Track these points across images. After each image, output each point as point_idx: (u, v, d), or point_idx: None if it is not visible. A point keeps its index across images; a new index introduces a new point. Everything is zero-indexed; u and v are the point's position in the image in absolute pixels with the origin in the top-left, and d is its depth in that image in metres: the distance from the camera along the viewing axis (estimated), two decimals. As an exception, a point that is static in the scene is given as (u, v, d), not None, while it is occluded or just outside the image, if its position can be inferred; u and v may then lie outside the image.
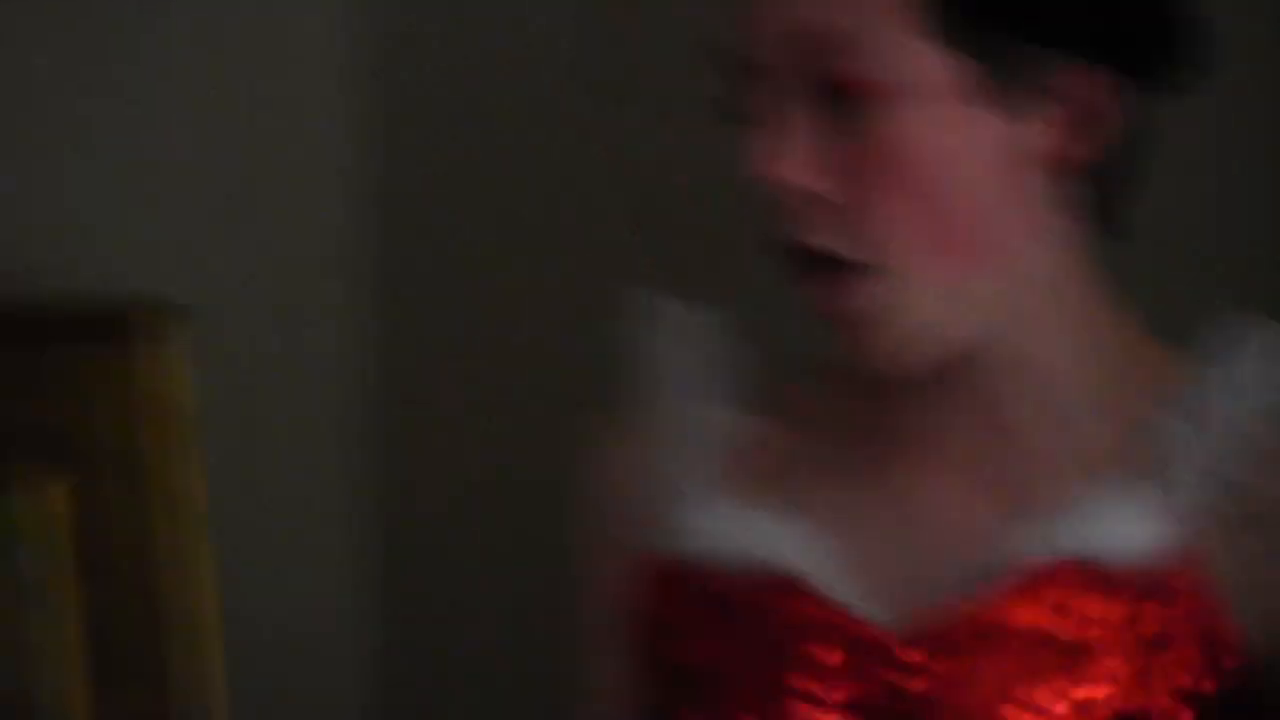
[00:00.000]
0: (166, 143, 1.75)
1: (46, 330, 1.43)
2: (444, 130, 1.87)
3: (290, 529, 1.73)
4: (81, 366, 1.41)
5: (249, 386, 1.69)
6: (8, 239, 1.63)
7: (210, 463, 1.43)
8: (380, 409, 1.78)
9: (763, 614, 1.09)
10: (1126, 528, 1.07)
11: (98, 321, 1.42)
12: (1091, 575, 1.06)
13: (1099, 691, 1.06)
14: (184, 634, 1.42)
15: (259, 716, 1.55)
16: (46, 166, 1.66)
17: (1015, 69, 1.06)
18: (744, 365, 1.18)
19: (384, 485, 1.78)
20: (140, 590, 1.41)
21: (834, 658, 1.08)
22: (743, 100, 1.08)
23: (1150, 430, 1.10)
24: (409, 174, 1.87)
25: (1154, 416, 1.09)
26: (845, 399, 1.15)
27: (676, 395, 1.16)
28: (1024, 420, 1.10)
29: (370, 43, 1.84)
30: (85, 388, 1.39)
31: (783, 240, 1.07)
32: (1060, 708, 1.05)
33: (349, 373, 1.79)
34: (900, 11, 1.04)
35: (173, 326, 1.42)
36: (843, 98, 1.04)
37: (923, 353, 1.07)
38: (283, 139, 1.83)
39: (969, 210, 1.07)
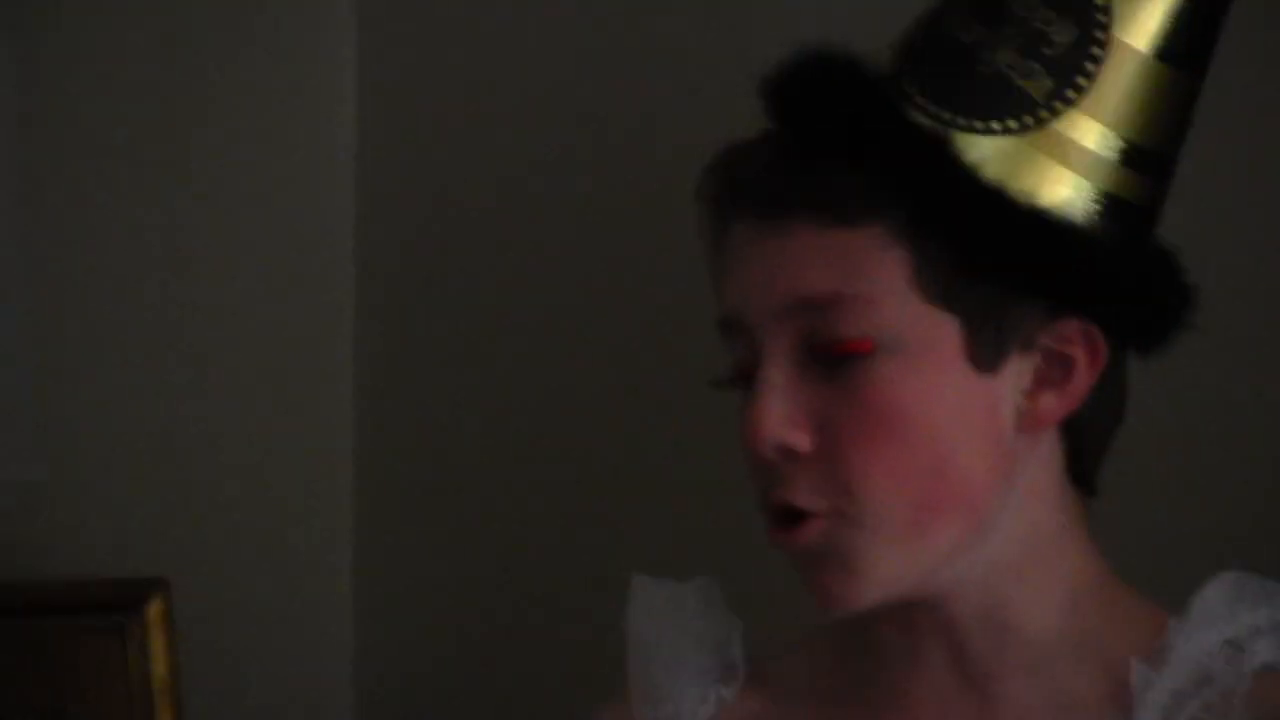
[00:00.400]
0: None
1: (34, 608, 1.49)
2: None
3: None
4: (67, 643, 1.48)
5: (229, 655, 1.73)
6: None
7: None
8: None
9: None
10: None
11: (83, 599, 1.49)
12: None
13: None
14: None
15: None
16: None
17: (1002, 324, 1.03)
18: (729, 637, 1.16)
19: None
20: None
21: None
22: (738, 371, 1.06)
23: (1120, 675, 1.06)
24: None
25: (1124, 663, 1.06)
26: (825, 664, 1.13)
27: (663, 677, 1.15)
28: (999, 675, 1.07)
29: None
30: (71, 663, 1.46)
31: (761, 496, 1.05)
32: None
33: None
34: (893, 272, 1.01)
35: (153, 601, 1.49)
36: (830, 356, 1.02)
37: (887, 596, 1.04)
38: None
39: (949, 464, 1.03)
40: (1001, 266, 1.01)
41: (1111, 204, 1.01)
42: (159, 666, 1.47)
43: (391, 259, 1.84)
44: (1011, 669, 1.05)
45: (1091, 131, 1.01)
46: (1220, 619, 1.03)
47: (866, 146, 1.00)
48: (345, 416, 1.84)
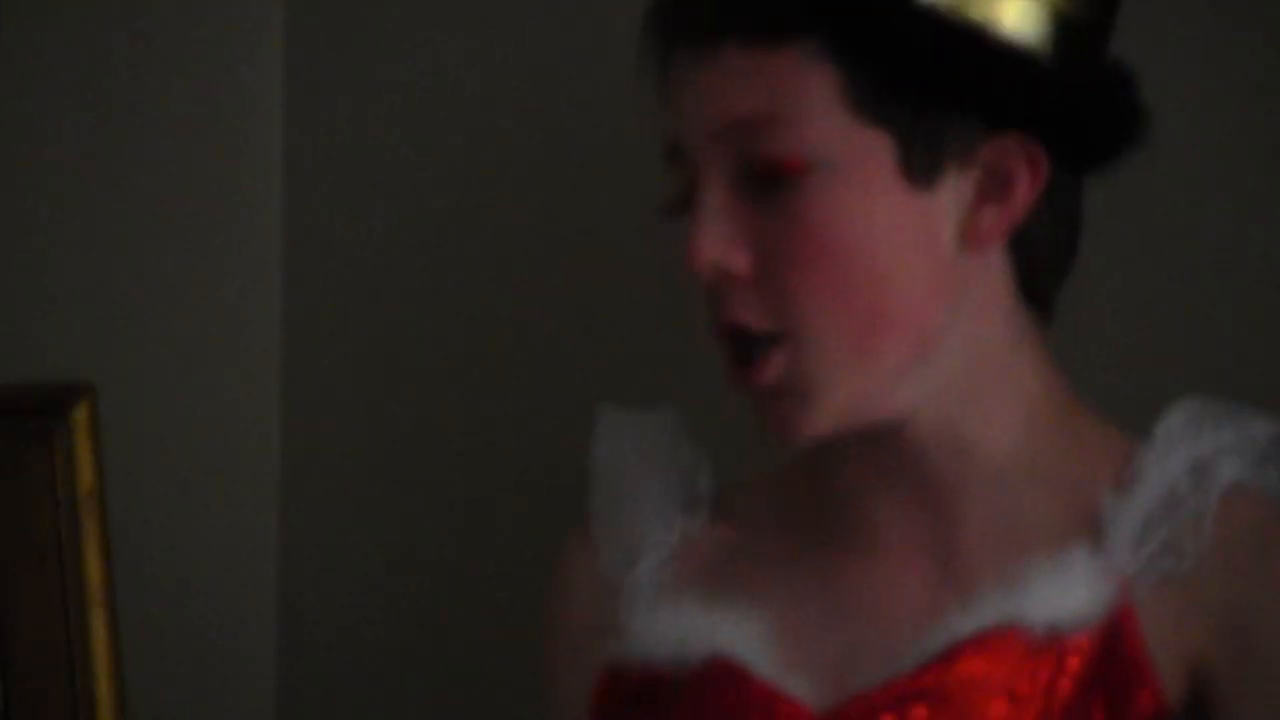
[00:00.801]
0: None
1: None
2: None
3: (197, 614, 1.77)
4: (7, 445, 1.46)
5: (153, 464, 1.73)
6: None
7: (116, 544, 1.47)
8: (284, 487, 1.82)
9: (701, 703, 1.09)
10: (1059, 598, 1.06)
11: (7, 404, 1.46)
12: (1018, 645, 1.05)
13: None
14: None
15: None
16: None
17: (937, 140, 1.04)
18: (693, 468, 1.18)
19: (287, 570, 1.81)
20: (50, 674, 1.44)
21: None
22: (678, 188, 1.08)
23: (1087, 501, 1.08)
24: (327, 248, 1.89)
25: (1091, 488, 1.08)
26: (786, 493, 1.16)
27: (626, 505, 1.17)
28: (959, 496, 1.09)
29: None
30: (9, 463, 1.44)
31: (711, 320, 1.08)
32: None
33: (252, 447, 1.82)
34: (819, 90, 1.03)
35: (80, 406, 1.47)
36: (764, 177, 1.04)
37: (843, 424, 1.06)
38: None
39: (887, 281, 1.05)
40: (932, 82, 1.01)
41: (1060, 23, 1.01)
42: (85, 474, 1.46)
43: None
44: (972, 490, 1.08)
45: None
46: (1186, 442, 1.06)
47: None
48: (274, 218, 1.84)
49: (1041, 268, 1.08)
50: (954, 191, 1.04)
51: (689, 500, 1.15)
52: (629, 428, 1.18)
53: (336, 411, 1.81)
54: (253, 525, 1.78)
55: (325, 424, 1.80)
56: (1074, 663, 1.05)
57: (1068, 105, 1.04)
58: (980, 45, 1.01)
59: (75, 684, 1.45)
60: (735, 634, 1.09)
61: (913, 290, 1.05)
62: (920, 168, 1.03)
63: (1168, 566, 1.05)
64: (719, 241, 1.04)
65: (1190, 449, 1.06)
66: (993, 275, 1.07)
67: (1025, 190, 1.04)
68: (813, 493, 1.12)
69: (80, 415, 1.48)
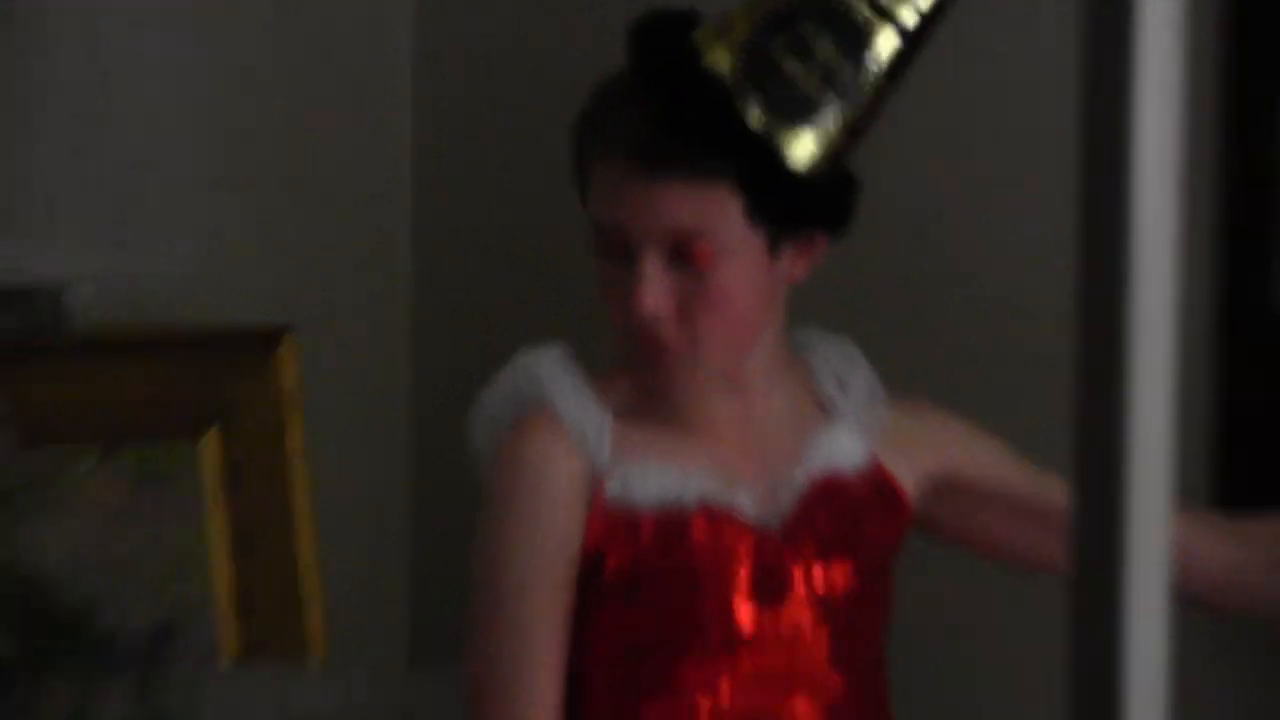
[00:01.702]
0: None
1: (211, 344, 2.24)
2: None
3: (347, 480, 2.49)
4: (234, 368, 2.23)
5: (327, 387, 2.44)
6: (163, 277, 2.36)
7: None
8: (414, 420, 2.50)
9: (690, 527, 1.69)
10: (842, 449, 1.75)
11: (247, 337, 2.22)
12: (842, 479, 1.73)
13: (849, 556, 1.72)
14: (290, 546, 2.21)
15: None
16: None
17: (783, 236, 1.67)
18: (582, 376, 1.73)
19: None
20: (269, 510, 2.24)
21: (744, 549, 1.69)
22: (611, 252, 1.67)
23: (816, 394, 1.76)
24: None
25: (815, 387, 1.77)
26: (647, 394, 1.73)
27: (568, 400, 1.71)
28: (763, 401, 1.74)
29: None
30: (238, 382, 2.22)
31: (636, 336, 1.67)
32: (844, 559, 1.70)
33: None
34: (733, 211, 1.63)
35: (291, 343, 2.23)
36: (684, 257, 1.64)
37: (706, 379, 1.72)
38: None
39: (755, 319, 1.69)
40: (788, 210, 1.65)
41: (831, 156, 1.65)
42: (289, 391, 2.22)
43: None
44: (769, 400, 1.74)
45: (839, 120, 1.64)
46: (845, 357, 1.80)
47: (720, 143, 1.62)
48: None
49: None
50: (785, 258, 1.69)
51: (592, 395, 1.72)
52: (549, 355, 1.74)
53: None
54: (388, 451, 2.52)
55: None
56: (861, 485, 1.75)
57: (837, 215, 1.68)
58: (803, 190, 1.65)
59: (294, 558, 2.26)
60: (704, 483, 1.70)
61: (760, 315, 1.70)
62: (776, 251, 1.67)
63: (874, 425, 1.75)
64: (656, 297, 1.64)
65: (835, 361, 1.79)
66: (780, 296, 1.74)
67: (818, 254, 1.71)
68: (663, 396, 1.73)
69: (286, 349, 2.22)
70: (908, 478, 1.79)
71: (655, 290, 1.64)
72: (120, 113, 2.10)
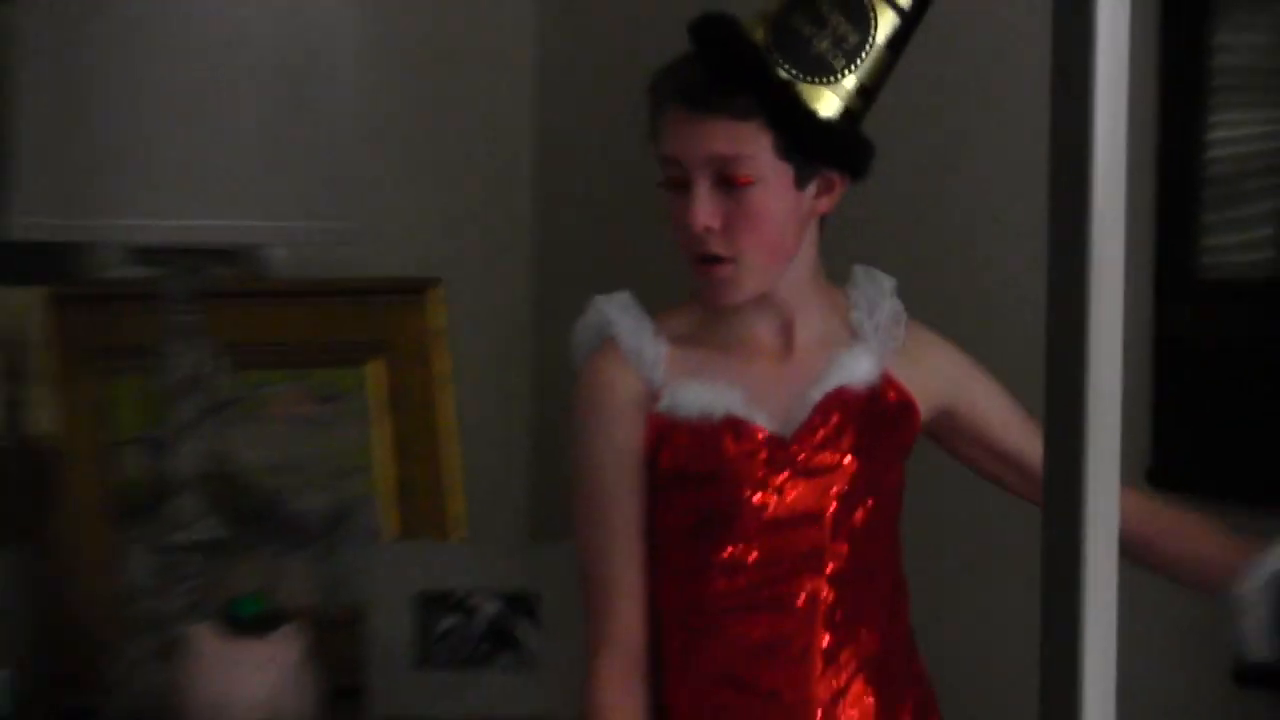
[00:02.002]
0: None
1: (374, 291, 2.70)
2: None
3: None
4: (393, 311, 2.70)
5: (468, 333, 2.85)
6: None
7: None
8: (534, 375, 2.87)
9: (720, 436, 1.87)
10: (860, 367, 1.90)
11: (402, 286, 2.70)
12: (854, 392, 1.90)
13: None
14: (437, 449, 2.68)
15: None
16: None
17: (808, 170, 1.85)
18: (643, 313, 1.92)
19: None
20: (420, 421, 2.71)
21: (761, 454, 1.87)
22: (673, 183, 1.85)
23: (842, 319, 1.92)
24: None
25: (840, 313, 1.92)
26: (705, 324, 1.91)
27: (632, 336, 1.91)
28: (799, 326, 1.90)
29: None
30: (397, 320, 2.69)
31: (689, 251, 1.85)
32: (847, 458, 1.88)
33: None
34: (763, 144, 1.82)
35: (438, 291, 2.70)
36: (728, 182, 1.82)
37: (751, 297, 1.87)
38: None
39: (784, 238, 1.85)
40: (810, 148, 1.84)
41: (848, 113, 1.87)
42: (437, 333, 2.69)
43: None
44: (805, 321, 1.92)
45: (852, 81, 1.86)
46: (867, 288, 1.98)
47: (753, 89, 1.82)
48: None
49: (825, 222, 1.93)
50: (810, 191, 1.86)
51: (654, 331, 1.92)
52: (617, 299, 1.94)
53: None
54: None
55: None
56: (881, 406, 1.92)
57: (852, 157, 1.87)
58: (824, 129, 1.84)
59: (439, 459, 2.70)
60: (732, 399, 1.88)
61: (791, 238, 1.86)
62: (801, 182, 1.85)
63: (891, 343, 1.91)
64: (706, 213, 1.83)
65: (869, 291, 1.95)
66: (812, 230, 1.90)
67: (837, 191, 1.87)
68: (722, 323, 1.91)
69: (433, 295, 2.71)
70: (919, 392, 1.94)
71: (705, 208, 1.84)
72: (311, 115, 2.29)
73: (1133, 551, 1.50)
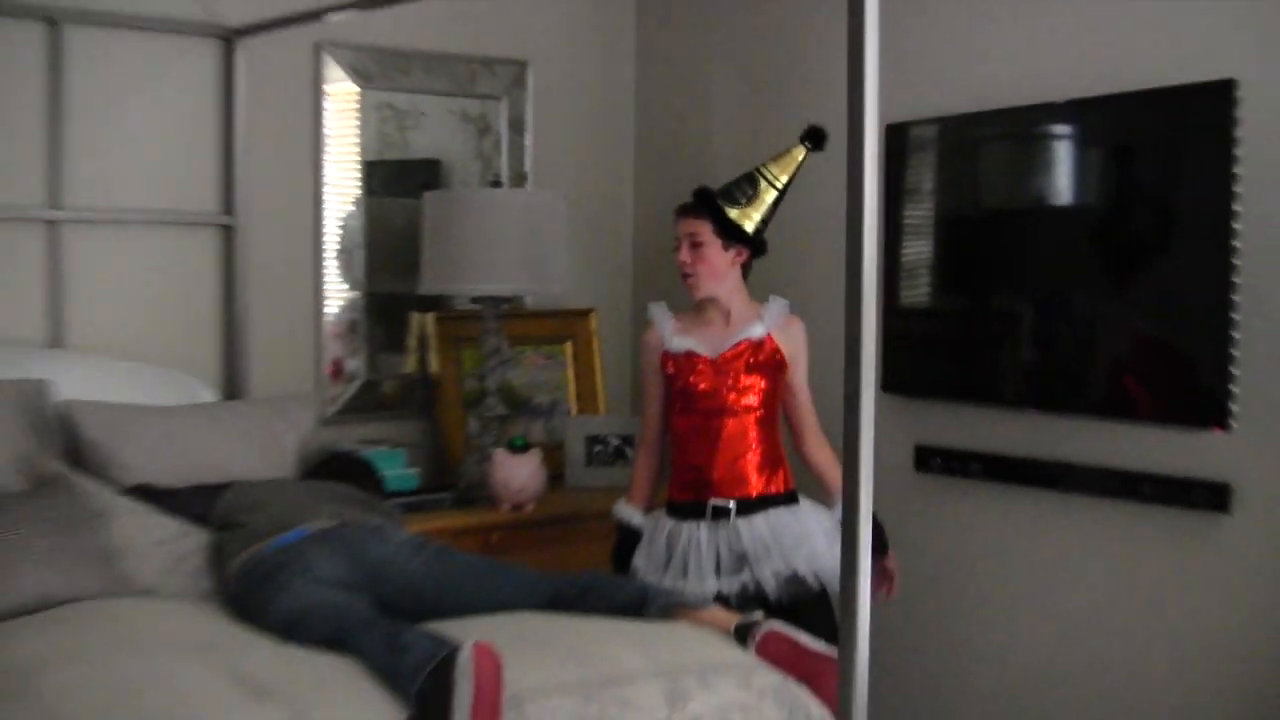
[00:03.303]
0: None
1: (567, 313, 5.72)
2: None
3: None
4: (577, 322, 5.64)
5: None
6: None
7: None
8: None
9: (690, 363, 4.36)
10: (756, 331, 4.35)
11: (580, 311, 5.69)
12: (752, 342, 4.37)
13: (762, 381, 4.38)
14: (596, 383, 5.73)
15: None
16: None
17: (730, 244, 4.32)
18: (669, 310, 4.43)
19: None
20: (587, 370, 5.70)
21: (701, 366, 4.36)
22: (677, 246, 4.34)
23: (751, 315, 4.35)
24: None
25: (760, 313, 4.36)
26: (691, 314, 4.39)
27: (660, 318, 4.43)
28: (729, 312, 4.37)
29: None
30: (577, 326, 5.70)
31: (681, 273, 4.33)
32: (751, 391, 4.36)
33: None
34: (710, 232, 4.31)
35: (595, 313, 5.75)
36: (695, 245, 4.31)
37: (705, 296, 4.37)
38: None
39: (718, 270, 4.34)
40: (731, 235, 4.34)
41: (756, 228, 4.40)
42: (593, 326, 5.71)
43: None
44: (733, 313, 4.44)
45: (756, 214, 4.40)
46: (780, 305, 4.58)
47: (711, 213, 4.36)
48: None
49: (745, 272, 4.41)
50: (732, 253, 4.31)
51: (672, 318, 4.38)
52: (657, 304, 4.43)
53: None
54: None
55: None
56: (763, 349, 4.36)
57: (755, 244, 4.29)
58: (740, 231, 4.28)
59: (598, 386, 5.70)
60: (694, 344, 4.35)
61: (722, 271, 4.31)
62: (726, 248, 4.29)
63: (775, 324, 4.39)
64: (686, 258, 4.28)
65: (772, 305, 4.39)
66: (735, 271, 4.36)
67: (745, 256, 4.33)
68: (695, 311, 4.34)
69: (593, 315, 5.78)
70: (783, 346, 4.19)
71: (685, 255, 4.17)
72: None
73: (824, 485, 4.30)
